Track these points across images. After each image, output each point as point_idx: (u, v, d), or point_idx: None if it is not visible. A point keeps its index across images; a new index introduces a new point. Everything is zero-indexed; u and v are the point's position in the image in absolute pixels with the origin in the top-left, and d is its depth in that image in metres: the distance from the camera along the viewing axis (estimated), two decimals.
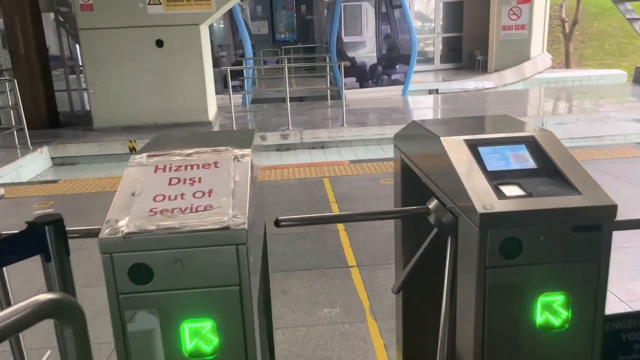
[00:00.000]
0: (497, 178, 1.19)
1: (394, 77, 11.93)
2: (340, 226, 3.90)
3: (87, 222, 1.25)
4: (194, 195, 1.11)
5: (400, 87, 11.61)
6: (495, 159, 1.26)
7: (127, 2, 8.05)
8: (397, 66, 12.39)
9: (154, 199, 1.10)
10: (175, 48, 8.32)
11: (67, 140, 7.81)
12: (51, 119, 9.01)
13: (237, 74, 11.14)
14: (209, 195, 1.11)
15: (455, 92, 13.37)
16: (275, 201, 4.59)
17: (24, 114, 8.78)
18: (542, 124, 7.62)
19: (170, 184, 1.15)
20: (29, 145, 7.26)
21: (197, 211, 1.06)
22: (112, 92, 8.40)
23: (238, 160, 1.22)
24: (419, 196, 1.47)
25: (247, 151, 1.24)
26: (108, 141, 7.72)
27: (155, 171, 1.19)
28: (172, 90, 8.47)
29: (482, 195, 1.12)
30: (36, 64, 8.61)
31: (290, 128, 8.01)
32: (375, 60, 12.99)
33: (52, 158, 7.58)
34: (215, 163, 1.21)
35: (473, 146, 1.26)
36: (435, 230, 1.32)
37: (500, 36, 14.75)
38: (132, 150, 7.66)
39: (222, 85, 11.59)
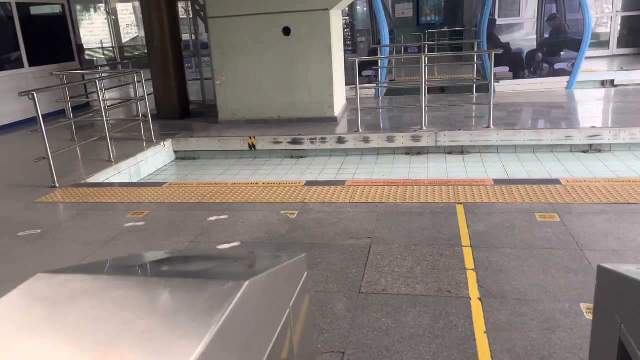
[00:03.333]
0: None
1: (557, 66, 9.96)
2: (473, 292, 2.79)
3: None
4: None
5: (565, 79, 9.64)
6: None
7: None
8: (562, 53, 10.35)
9: None
10: (302, 36, 7.63)
11: (190, 133, 7.60)
12: (182, 109, 8.98)
13: (372, 62, 10.19)
14: None
15: (636, 84, 10.87)
16: (388, 234, 3.60)
17: (157, 104, 8.94)
18: None
19: None
20: (153, 138, 7.16)
21: None
22: (238, 84, 8.02)
23: None
24: None
25: None
26: (228, 137, 7.34)
27: None
28: (298, 82, 7.83)
29: None
30: (170, 54, 8.58)
31: (424, 128, 6.87)
32: (534, 46, 11.04)
33: (175, 152, 7.43)
34: None
35: None
36: None
37: None
38: (252, 147, 7.19)
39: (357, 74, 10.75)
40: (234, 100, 8.10)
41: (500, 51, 6.90)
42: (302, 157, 7.13)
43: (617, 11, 13.81)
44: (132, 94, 9.23)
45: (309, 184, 4.89)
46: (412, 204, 4.16)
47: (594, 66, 11.68)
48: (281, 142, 7.14)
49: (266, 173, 6.49)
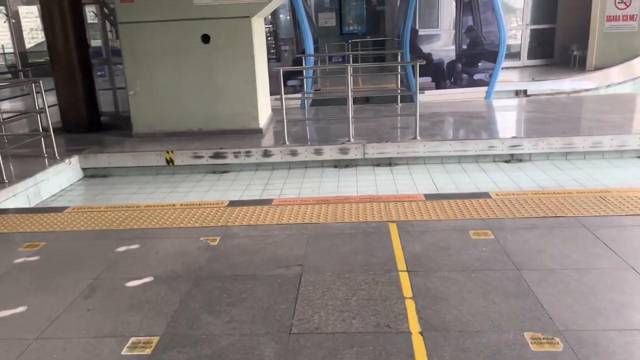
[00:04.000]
0: None
1: (476, 76, 10.25)
2: (413, 326, 2.57)
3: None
4: None
5: (484, 89, 9.93)
6: None
7: None
8: (479, 64, 10.69)
9: None
10: (223, 44, 7.23)
11: (101, 148, 6.94)
12: (92, 121, 8.24)
13: (297, 72, 9.96)
14: None
15: (547, 93, 11.47)
16: (320, 260, 3.32)
17: (63, 116, 8.14)
18: None
19: None
20: (56, 154, 6.44)
21: None
22: (153, 95, 7.46)
23: None
24: None
25: None
26: (143, 151, 6.77)
27: None
28: (219, 92, 7.40)
29: None
30: (75, 61, 7.84)
31: (351, 140, 6.70)
32: (454, 57, 11.34)
33: (82, 169, 6.74)
34: None
35: None
36: None
37: (604, 28, 12.59)
38: (170, 162, 6.67)
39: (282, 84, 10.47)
40: (150, 112, 7.53)
41: (424, 62, 6.88)
42: (225, 172, 6.71)
43: (527, 24, 14.59)
44: (35, 105, 8.35)
45: (233, 204, 4.52)
46: (344, 224, 3.91)
47: (507, 76, 12.18)
48: (202, 157, 6.68)
49: (186, 191, 6.01)
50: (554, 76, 12.17)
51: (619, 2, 12.28)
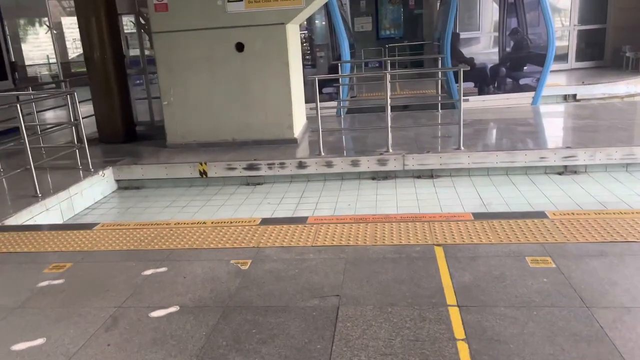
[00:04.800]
0: None
1: (522, 81, 9.72)
2: None
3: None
4: None
5: (530, 94, 9.40)
6: None
7: (204, 0, 6.90)
8: (525, 67, 10.15)
9: None
10: (257, 52, 7.04)
11: (134, 160, 6.84)
12: (127, 132, 8.20)
13: (333, 79, 9.69)
14: None
15: (599, 98, 10.81)
16: (359, 290, 3.01)
17: (99, 127, 8.13)
18: None
19: None
20: (90, 166, 6.37)
21: None
22: (187, 104, 7.33)
23: None
24: None
25: None
26: (176, 163, 6.63)
27: None
28: (253, 102, 7.21)
29: None
30: (112, 72, 7.81)
31: (390, 151, 6.37)
32: (497, 61, 10.82)
33: (116, 181, 6.65)
34: None
35: None
36: None
37: None
38: (203, 174, 6.50)
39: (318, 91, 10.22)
40: (184, 122, 7.40)
41: (468, 67, 6.49)
42: (259, 184, 6.49)
43: (575, 25, 13.89)
44: (71, 117, 8.38)
45: (265, 222, 4.26)
46: (385, 247, 3.59)
47: (554, 80, 11.56)
48: (235, 168, 6.49)
49: (218, 204, 5.82)
50: (605, 79, 11.48)
51: None
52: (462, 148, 6.27)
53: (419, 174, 6.30)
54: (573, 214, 3.98)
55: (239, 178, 6.54)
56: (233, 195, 6.15)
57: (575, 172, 5.99)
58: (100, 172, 6.38)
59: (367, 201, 5.60)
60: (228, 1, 6.89)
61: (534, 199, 5.24)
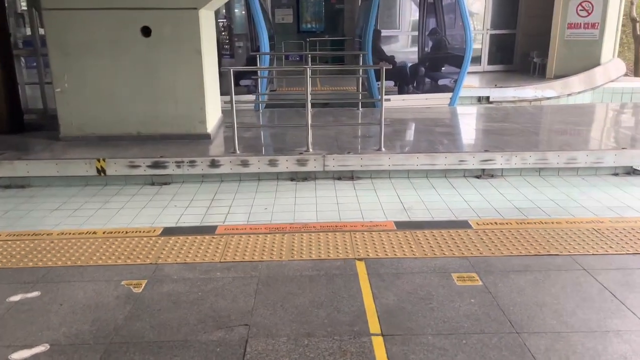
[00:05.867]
0: None
1: (440, 82, 9.79)
2: None
3: None
4: None
5: (448, 95, 9.48)
6: None
7: None
8: (443, 68, 10.25)
9: None
10: (166, 38, 6.39)
11: (18, 154, 5.96)
12: (14, 121, 7.19)
13: (251, 71, 9.20)
14: None
15: (509, 101, 11.20)
16: (272, 317, 2.62)
17: None
18: None
19: None
20: None
21: None
22: (85, 92, 6.52)
23: None
24: None
25: None
26: (70, 159, 5.85)
27: None
28: (162, 92, 6.56)
29: None
30: None
31: (310, 150, 6.03)
32: (417, 60, 10.86)
33: None
34: None
35: None
36: None
37: (565, 35, 12.46)
38: (101, 172, 5.78)
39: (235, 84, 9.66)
40: (81, 112, 6.59)
41: (390, 66, 6.29)
42: (165, 183, 5.89)
43: (487, 29, 14.36)
44: None
45: (167, 232, 3.75)
46: (302, 263, 3.23)
47: (468, 82, 11.82)
48: (139, 166, 5.83)
49: (117, 207, 5.16)
50: (515, 83, 11.92)
51: (580, 10, 12.18)
52: (383, 149, 6.08)
53: (339, 176, 6.01)
54: (496, 223, 3.85)
55: (142, 177, 5.89)
56: (135, 197, 5.50)
57: (492, 176, 5.99)
58: None
59: (285, 204, 5.21)
60: None
61: (455, 204, 5.13)
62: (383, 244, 3.48)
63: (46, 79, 8.00)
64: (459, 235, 3.59)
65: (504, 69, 14.60)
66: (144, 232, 3.75)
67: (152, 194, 5.59)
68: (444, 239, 3.54)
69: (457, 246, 3.43)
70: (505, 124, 7.58)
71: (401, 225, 3.80)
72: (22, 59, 8.97)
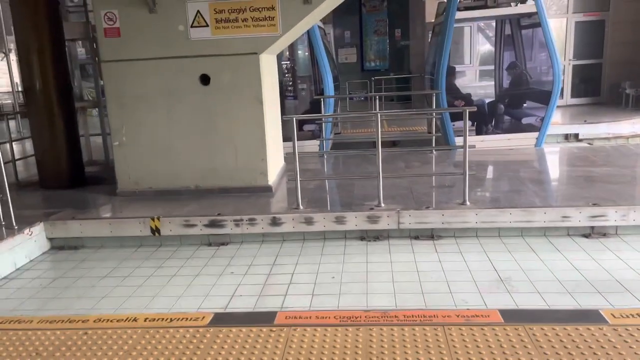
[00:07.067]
0: None
1: (524, 120, 8.83)
2: None
3: None
4: None
5: (533, 135, 8.49)
6: None
7: (163, 25, 5.88)
8: (525, 105, 9.29)
9: None
10: (225, 85, 6.00)
11: (72, 213, 5.65)
12: (74, 175, 7.01)
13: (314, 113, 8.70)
14: None
15: (602, 138, 9.99)
16: None
17: (40, 169, 6.95)
18: None
19: None
20: (13, 223, 5.16)
21: None
22: (141, 145, 6.21)
23: None
24: None
25: None
26: (123, 218, 5.47)
27: None
28: (220, 143, 6.13)
29: None
30: (55, 104, 6.67)
31: (382, 205, 5.31)
32: (495, 97, 9.97)
33: (49, 239, 5.45)
34: None
35: None
36: None
37: None
38: (155, 232, 5.34)
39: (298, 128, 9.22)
40: (137, 166, 6.27)
41: (475, 109, 5.52)
42: (223, 244, 5.35)
43: (570, 59, 13.23)
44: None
45: (217, 320, 3.12)
46: None
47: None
48: (195, 225, 5.34)
49: (170, 274, 4.63)
50: (607, 118, 10.70)
51: None
52: (468, 203, 5.24)
53: (416, 234, 5.22)
54: (638, 315, 2.91)
55: (199, 237, 5.39)
56: (190, 261, 4.98)
57: (604, 235, 4.97)
58: (27, 230, 5.17)
59: (355, 272, 4.48)
60: (191, 27, 5.87)
61: (564, 273, 4.18)
62: (490, 346, 2.65)
63: (108, 130, 7.88)
64: (593, 335, 2.69)
65: (590, 102, 13.33)
66: (190, 319, 3.14)
67: (208, 257, 5.04)
68: (574, 341, 2.65)
69: (591, 349, 2.54)
70: (609, 169, 6.50)
71: (509, 317, 2.96)
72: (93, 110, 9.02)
